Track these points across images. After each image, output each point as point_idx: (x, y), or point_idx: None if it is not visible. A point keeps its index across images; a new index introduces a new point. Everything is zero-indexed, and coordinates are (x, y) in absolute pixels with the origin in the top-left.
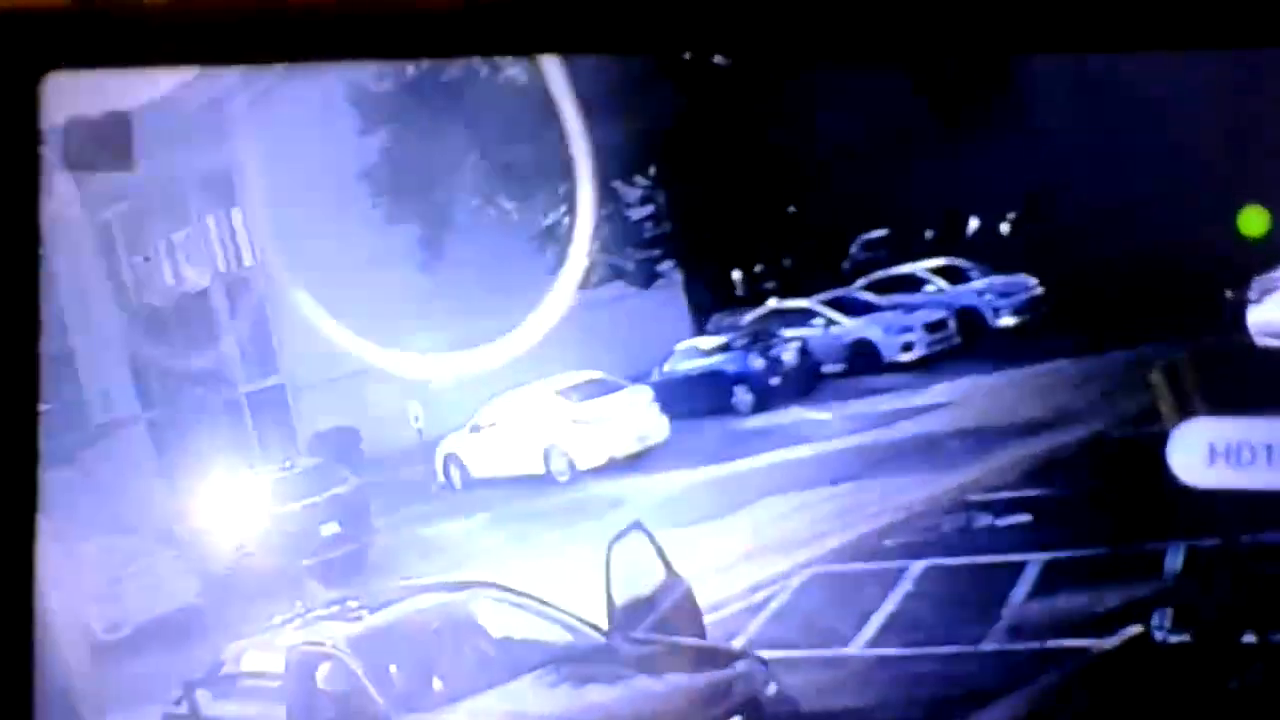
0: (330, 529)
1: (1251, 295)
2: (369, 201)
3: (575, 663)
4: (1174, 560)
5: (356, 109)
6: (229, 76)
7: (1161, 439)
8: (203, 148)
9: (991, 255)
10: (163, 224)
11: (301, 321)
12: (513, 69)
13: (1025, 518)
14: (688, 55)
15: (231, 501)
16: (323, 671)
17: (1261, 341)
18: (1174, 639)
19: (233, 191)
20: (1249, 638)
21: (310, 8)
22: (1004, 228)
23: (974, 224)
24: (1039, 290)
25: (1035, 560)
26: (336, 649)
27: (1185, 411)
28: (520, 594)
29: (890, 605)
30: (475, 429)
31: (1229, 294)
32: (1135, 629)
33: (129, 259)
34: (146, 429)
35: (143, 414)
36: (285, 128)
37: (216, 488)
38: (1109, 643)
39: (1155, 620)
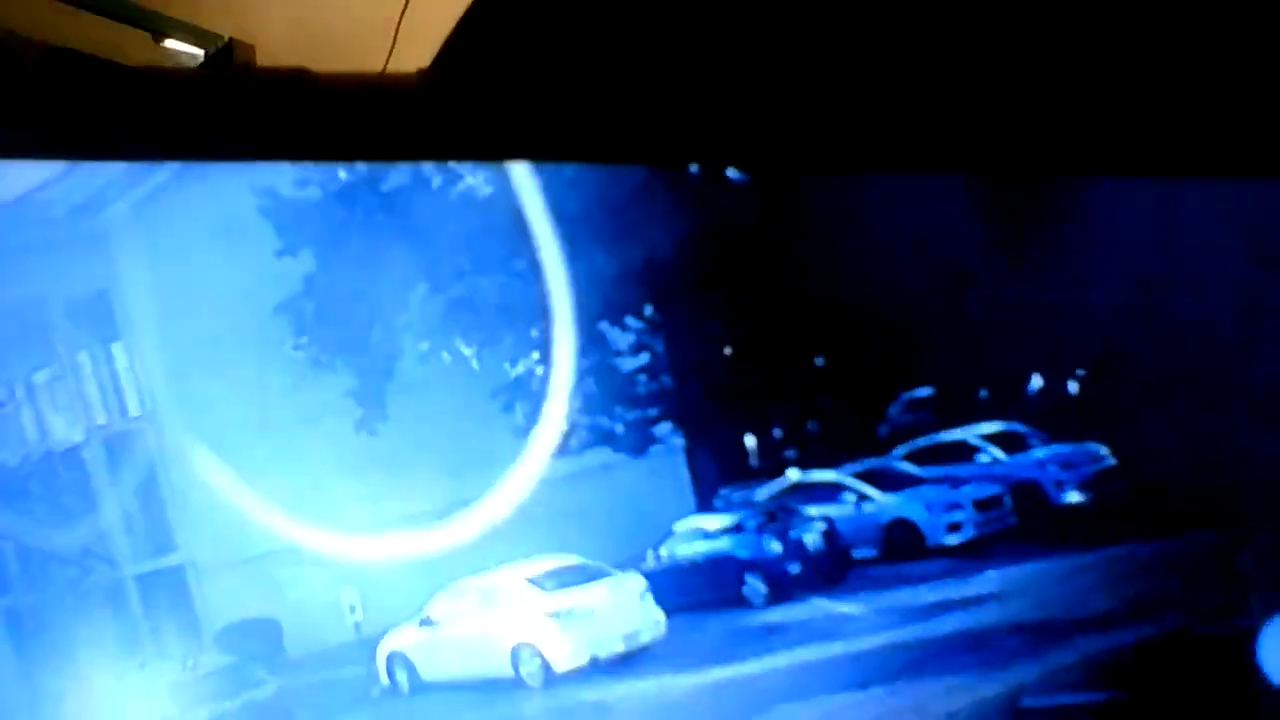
0: None
1: None
2: (289, 341)
3: None
4: None
5: (272, 222)
6: (106, 172)
7: (1252, 635)
8: (72, 263)
9: (1056, 421)
10: (19, 361)
11: (205, 488)
12: (474, 176)
13: None
14: (694, 167)
15: (116, 713)
16: None
17: None
18: None
19: (112, 321)
20: None
21: (211, 80)
22: (1072, 387)
23: (1037, 383)
24: (1110, 462)
25: None
26: None
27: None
28: None
29: None
30: (426, 623)
31: None
32: None
33: None
34: (2, 618)
35: None
36: (180, 243)
37: (95, 695)
38: None
39: None
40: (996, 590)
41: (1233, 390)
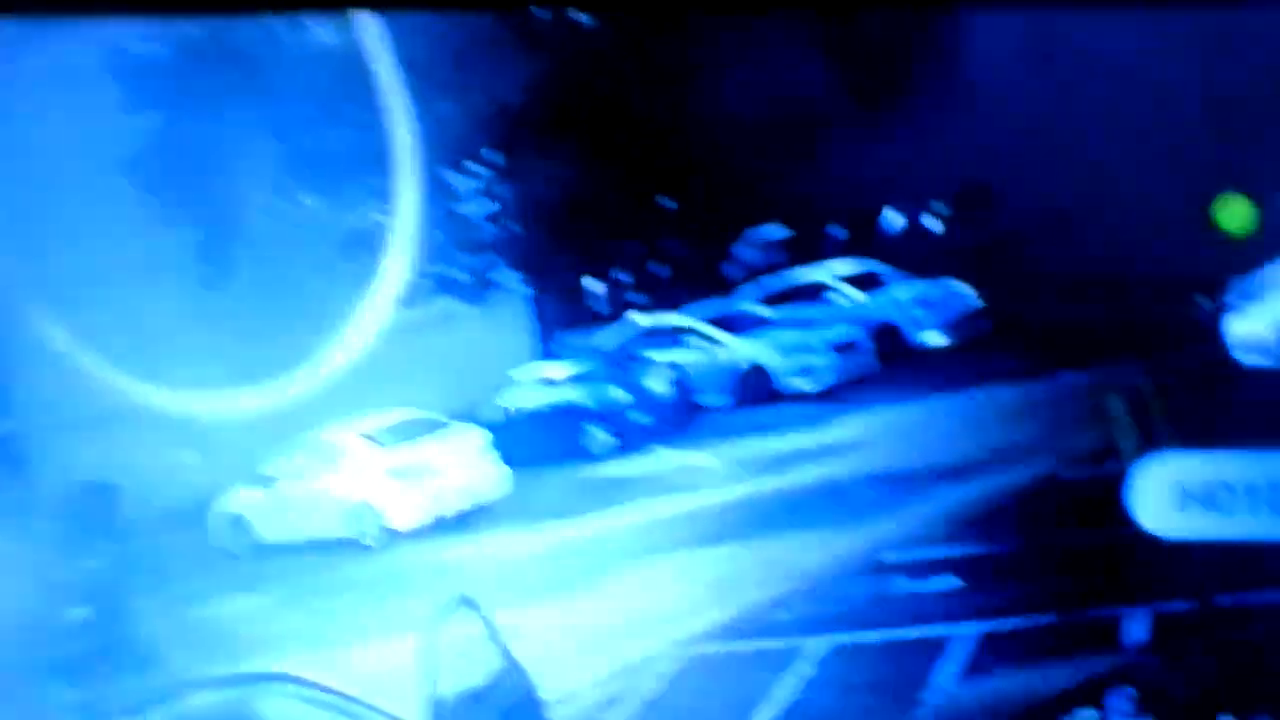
0: (79, 614)
1: (1231, 302)
2: (134, 198)
3: None
4: (1136, 629)
5: (118, 80)
6: None
7: (1121, 480)
8: None
9: (916, 260)
10: None
11: (43, 350)
12: (320, 29)
13: (953, 582)
14: (539, 11)
15: None
16: None
17: (1242, 357)
18: None
19: None
20: None
21: None
22: (933, 226)
23: (895, 221)
24: (973, 301)
25: (967, 633)
26: None
27: (1150, 446)
28: (320, 689)
29: (785, 694)
30: (265, 482)
31: (1203, 302)
32: (1089, 714)
33: None
34: None
35: None
36: (21, 99)
37: None
38: None
39: (1113, 702)
40: (854, 438)
41: (1102, 225)
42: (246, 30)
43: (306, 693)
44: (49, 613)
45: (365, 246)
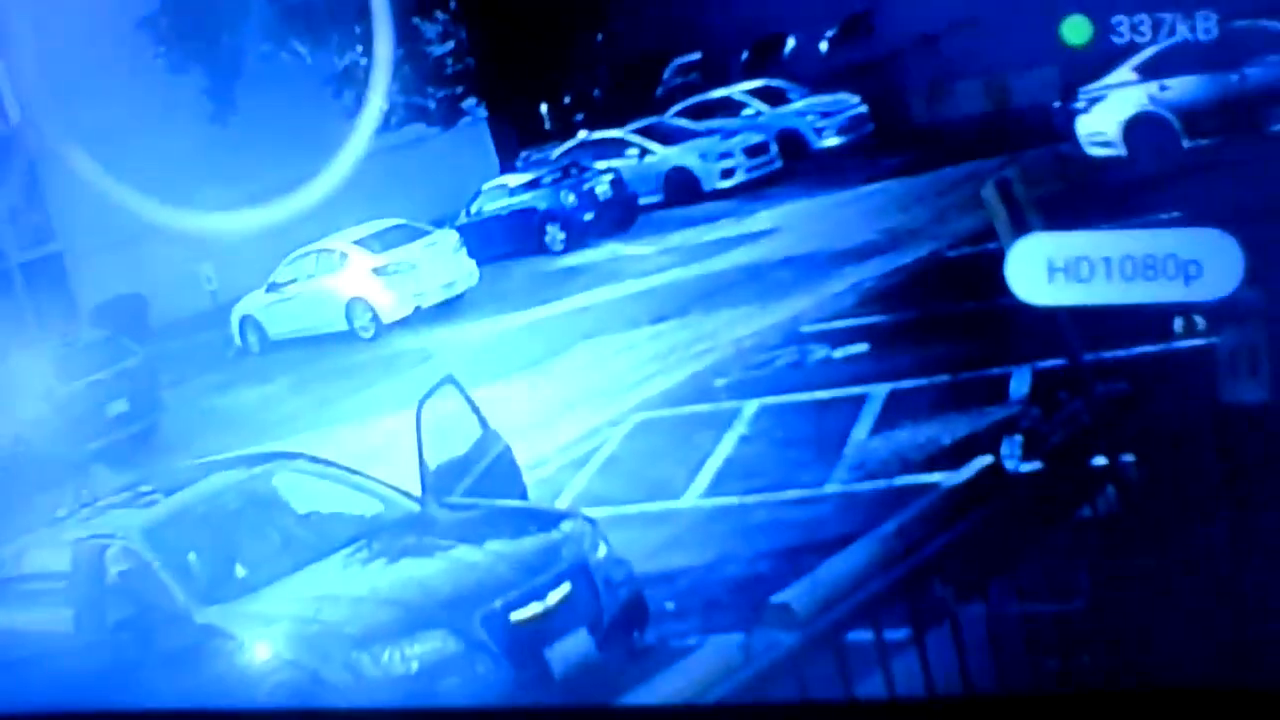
0: (118, 407)
1: (1079, 105)
2: (149, 50)
3: (388, 535)
4: (1020, 384)
5: None
6: None
7: (999, 257)
8: None
9: (810, 76)
10: None
11: (78, 182)
12: None
13: (863, 347)
14: None
15: (6, 384)
16: (114, 566)
17: (1092, 151)
18: (1025, 467)
19: None
20: (1099, 461)
21: None
22: (822, 46)
23: (791, 44)
24: (862, 108)
25: (876, 392)
26: (128, 540)
27: (1021, 228)
28: (326, 463)
29: (724, 450)
30: (272, 288)
31: (1056, 104)
32: (985, 459)
33: None
34: None
35: None
36: None
37: None
38: (959, 476)
39: (1005, 449)
40: (769, 227)
41: (967, 36)
42: None
43: (315, 468)
44: (93, 409)
45: (349, 84)
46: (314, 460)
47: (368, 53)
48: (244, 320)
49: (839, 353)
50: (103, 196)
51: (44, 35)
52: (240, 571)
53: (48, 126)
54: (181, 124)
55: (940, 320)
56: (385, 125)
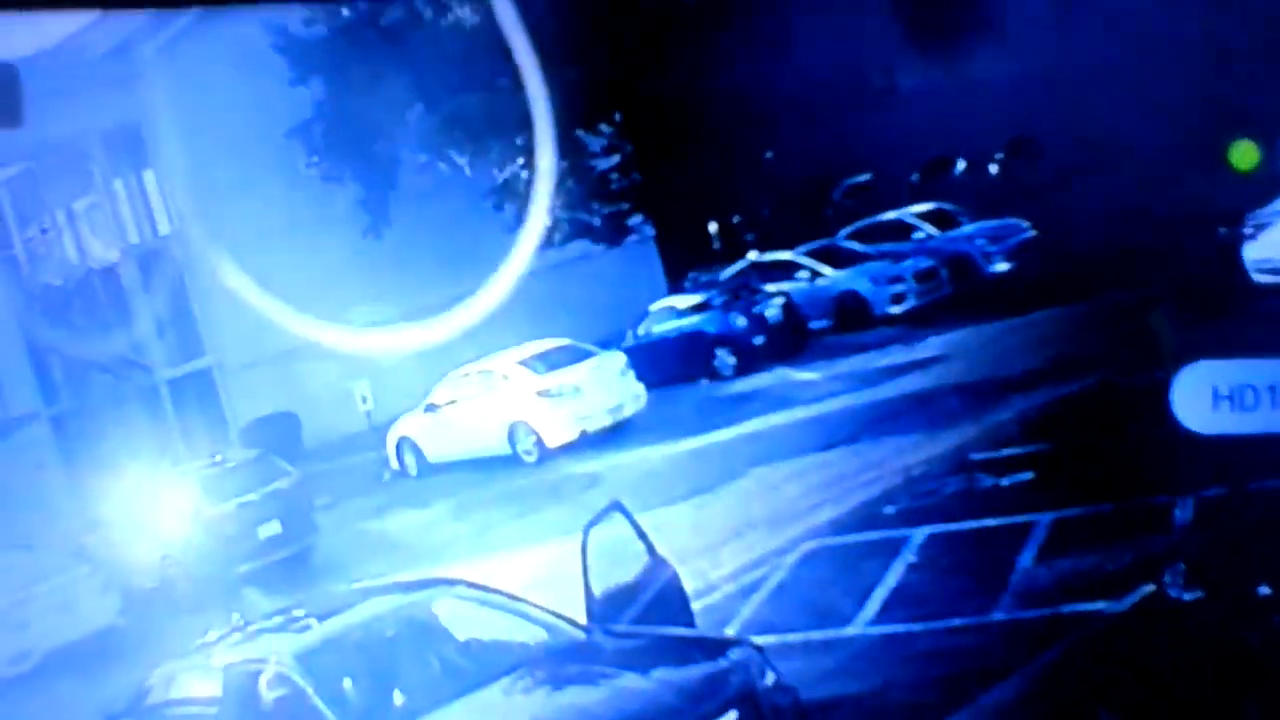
0: (270, 529)
1: (1247, 231)
2: (302, 160)
3: (552, 663)
4: (1184, 512)
5: (285, 56)
6: (134, 20)
7: (1165, 385)
8: (107, 101)
9: (980, 199)
10: (61, 190)
11: (228, 296)
12: (460, 9)
13: (1029, 475)
14: None
15: (154, 505)
16: (267, 692)
17: (1258, 278)
18: (1188, 596)
19: (143, 151)
20: (1264, 589)
21: None
22: (992, 169)
23: (961, 166)
24: (1031, 233)
25: (1042, 520)
26: (282, 665)
27: (1187, 355)
28: (488, 590)
29: (892, 578)
30: (431, 408)
31: (1223, 231)
32: (1148, 588)
33: (22, 232)
34: (50, 426)
35: (45, 409)
36: (202, 78)
37: (136, 490)
38: (1123, 604)
39: (1168, 577)
40: (938, 354)
41: (1135, 163)
42: (394, 10)
43: (476, 594)
44: (245, 530)
45: (511, 197)
46: (474, 587)
47: (529, 165)
48: (401, 442)
49: (1006, 481)
50: (254, 311)
51: (195, 143)
52: (398, 699)
53: (198, 237)
54: (336, 236)
55: (1105, 448)
56: (548, 241)
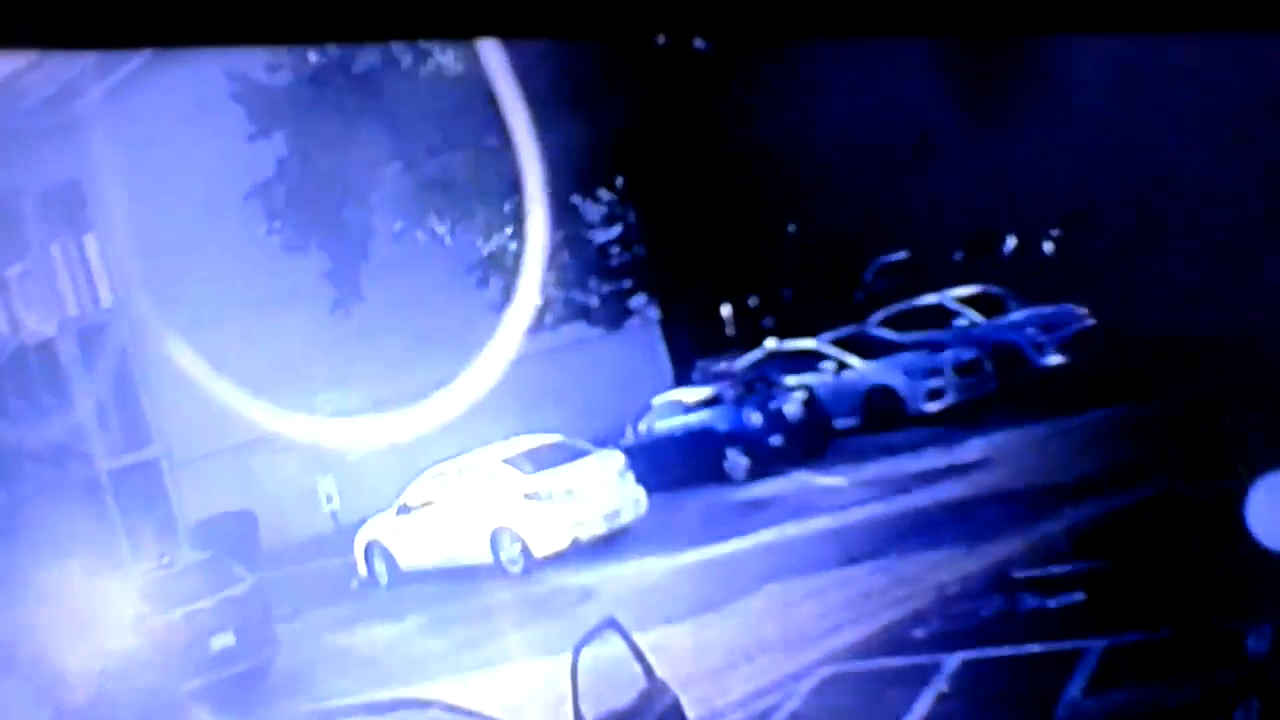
0: (222, 641)
1: None
2: (263, 225)
3: None
4: (1258, 641)
5: (245, 107)
6: (77, 62)
7: (1238, 496)
8: (44, 154)
9: (1031, 281)
10: None
11: (178, 378)
12: (443, 55)
13: (1079, 596)
14: (661, 38)
15: (92, 611)
16: None
17: None
18: None
19: (84, 212)
20: None
21: None
22: (1045, 247)
23: (1010, 243)
24: (1089, 322)
25: (1093, 647)
26: None
27: (1263, 463)
28: (466, 714)
29: (921, 710)
30: (404, 510)
31: None
32: None
33: None
34: None
35: None
36: (152, 130)
37: (72, 594)
38: None
39: (1240, 714)
40: (980, 458)
41: (1209, 246)
42: (369, 56)
43: (453, 717)
44: (194, 641)
45: (497, 272)
46: (451, 709)
47: (519, 235)
48: (370, 546)
49: (1053, 602)
50: (207, 396)
51: (142, 204)
52: None
53: (144, 311)
54: (299, 313)
55: (1167, 567)
56: (539, 323)
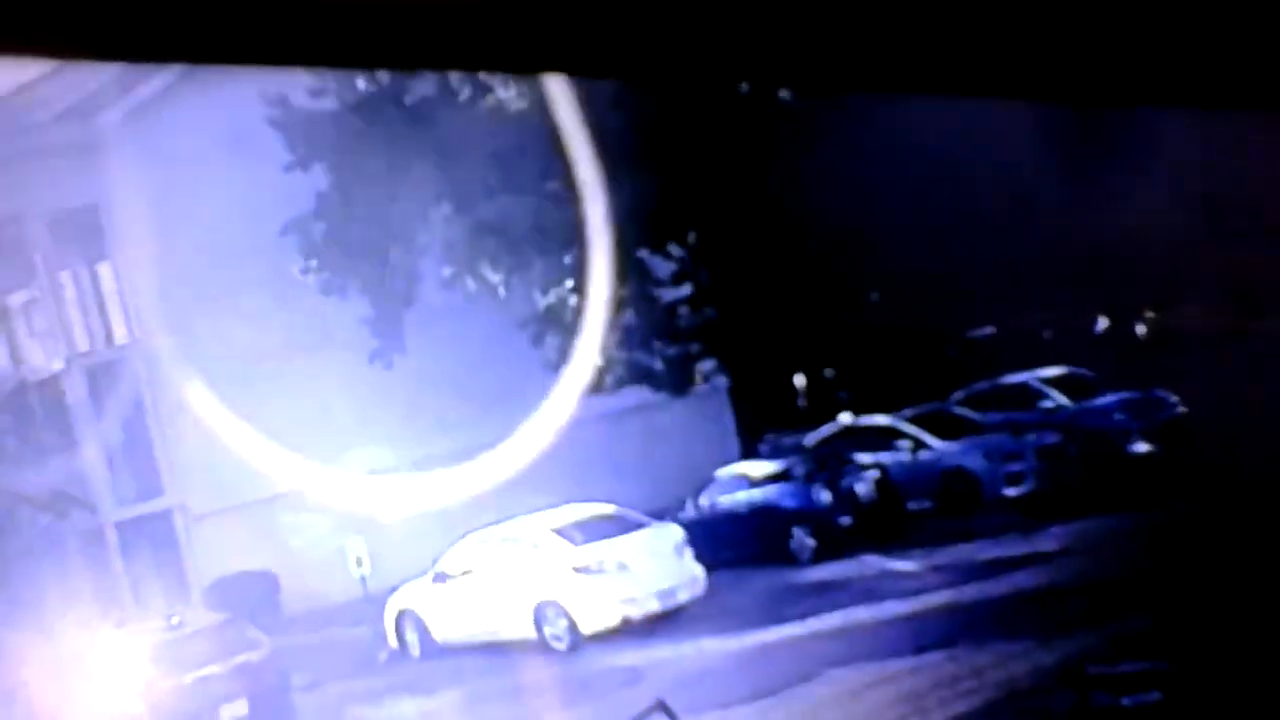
0: (233, 710)
1: None
2: (297, 264)
3: None
4: None
5: (283, 134)
6: (99, 76)
7: None
8: (57, 175)
9: (1123, 364)
10: None
11: (197, 425)
12: (506, 90)
13: (1155, 696)
14: (745, 86)
15: (94, 674)
16: None
17: None
18: None
19: (100, 239)
20: None
21: None
22: (1139, 329)
23: (1103, 324)
24: (1180, 409)
25: None
26: None
27: None
28: None
29: None
30: (441, 578)
31: None
32: None
33: None
34: None
35: None
36: (178, 154)
37: (72, 655)
38: None
39: None
40: (1060, 547)
41: None
42: (423, 86)
43: None
44: (203, 710)
45: (554, 328)
46: None
47: (579, 290)
48: (402, 616)
49: (1127, 700)
50: (228, 446)
51: (165, 234)
52: None
53: (162, 351)
54: (334, 362)
55: (1249, 671)
56: (598, 386)
